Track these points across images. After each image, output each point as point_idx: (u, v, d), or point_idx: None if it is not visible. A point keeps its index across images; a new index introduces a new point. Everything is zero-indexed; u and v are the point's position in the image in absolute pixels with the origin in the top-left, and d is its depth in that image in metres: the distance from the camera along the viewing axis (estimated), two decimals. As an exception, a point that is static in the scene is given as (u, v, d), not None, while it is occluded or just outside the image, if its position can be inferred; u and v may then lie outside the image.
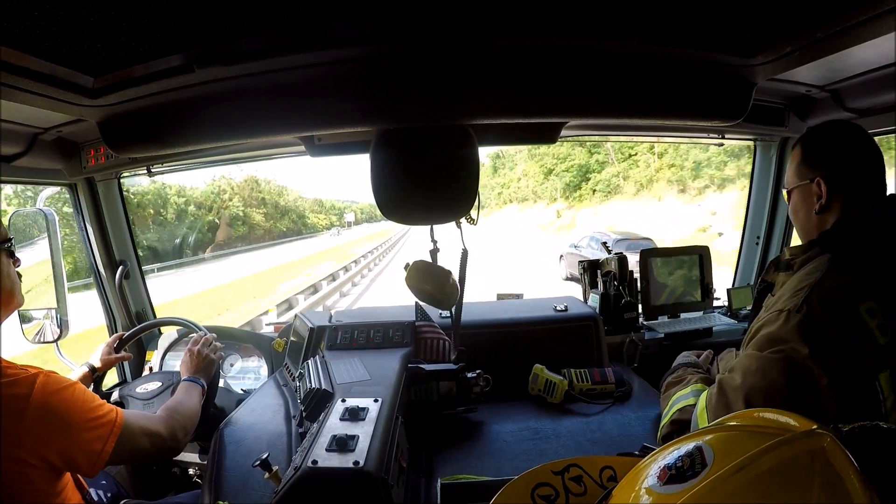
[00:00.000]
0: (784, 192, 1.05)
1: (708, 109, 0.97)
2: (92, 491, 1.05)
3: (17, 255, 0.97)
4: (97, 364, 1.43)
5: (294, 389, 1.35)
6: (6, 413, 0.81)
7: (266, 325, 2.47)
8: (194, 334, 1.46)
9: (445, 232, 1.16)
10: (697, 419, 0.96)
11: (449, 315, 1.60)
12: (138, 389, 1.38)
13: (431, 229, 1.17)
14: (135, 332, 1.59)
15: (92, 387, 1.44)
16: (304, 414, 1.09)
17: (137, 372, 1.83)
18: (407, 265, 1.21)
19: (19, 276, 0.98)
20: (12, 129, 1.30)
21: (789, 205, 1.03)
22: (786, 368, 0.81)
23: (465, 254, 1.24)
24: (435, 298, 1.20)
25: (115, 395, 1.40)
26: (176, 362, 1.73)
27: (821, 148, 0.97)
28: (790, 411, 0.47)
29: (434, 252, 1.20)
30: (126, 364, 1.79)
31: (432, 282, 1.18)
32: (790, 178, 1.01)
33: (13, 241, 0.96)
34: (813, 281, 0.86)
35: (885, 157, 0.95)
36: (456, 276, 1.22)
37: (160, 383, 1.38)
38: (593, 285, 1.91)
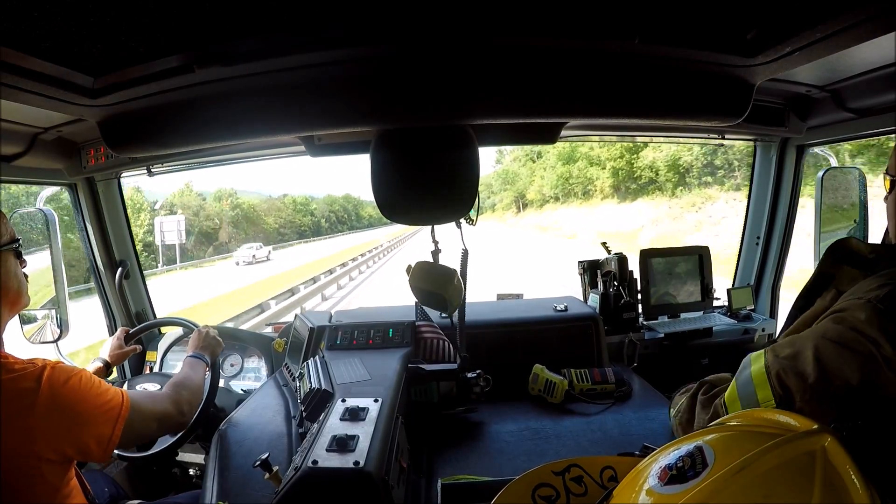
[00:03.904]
0: (886, 179, 0.87)
1: (708, 109, 0.97)
2: (92, 491, 1.05)
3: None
4: (109, 359, 1.45)
5: (294, 389, 1.35)
6: (16, 408, 0.81)
7: (266, 325, 2.47)
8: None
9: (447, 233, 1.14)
10: (753, 379, 0.82)
11: (449, 316, 1.61)
12: (138, 387, 1.41)
13: (433, 230, 1.16)
14: (141, 328, 1.62)
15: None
16: (304, 414, 1.09)
17: (138, 371, 1.84)
18: (409, 267, 1.20)
19: (25, 276, 0.98)
20: (12, 129, 1.30)
21: (890, 194, 0.86)
22: (861, 363, 0.72)
23: (465, 254, 1.24)
24: (438, 300, 1.17)
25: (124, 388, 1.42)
26: (176, 363, 1.74)
27: None
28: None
29: (435, 253, 1.19)
30: (127, 363, 1.79)
31: (436, 282, 1.16)
32: (894, 163, 0.85)
33: (20, 241, 0.96)
34: None
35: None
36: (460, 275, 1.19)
37: (158, 386, 1.40)
38: (593, 285, 1.91)
